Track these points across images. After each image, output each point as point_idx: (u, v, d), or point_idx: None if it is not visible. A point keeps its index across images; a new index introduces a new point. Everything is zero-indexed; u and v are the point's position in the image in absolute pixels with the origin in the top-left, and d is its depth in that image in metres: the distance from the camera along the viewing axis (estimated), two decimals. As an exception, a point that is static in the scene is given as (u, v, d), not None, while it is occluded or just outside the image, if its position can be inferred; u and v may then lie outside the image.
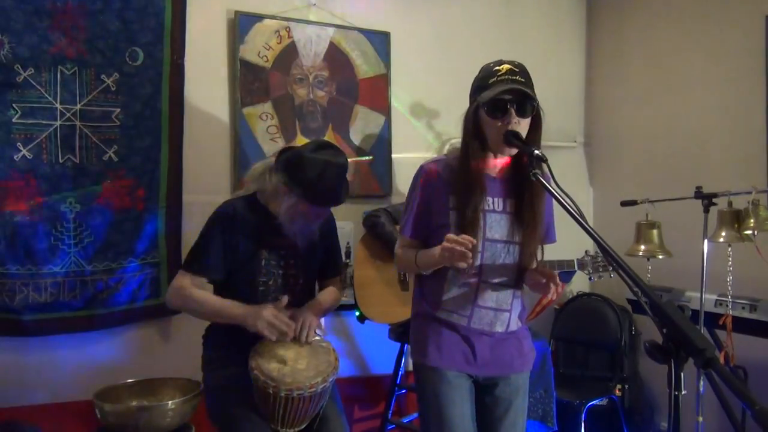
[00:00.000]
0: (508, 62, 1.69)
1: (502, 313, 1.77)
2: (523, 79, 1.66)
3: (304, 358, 1.91)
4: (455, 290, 1.75)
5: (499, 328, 1.77)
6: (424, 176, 1.78)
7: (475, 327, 1.75)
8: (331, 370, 1.88)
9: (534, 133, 1.71)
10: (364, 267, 2.80)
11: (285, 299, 1.94)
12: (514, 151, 1.69)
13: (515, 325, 1.81)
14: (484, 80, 1.69)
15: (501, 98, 1.62)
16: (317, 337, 2.03)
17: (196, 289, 1.98)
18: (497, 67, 1.68)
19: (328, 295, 2.19)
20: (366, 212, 2.88)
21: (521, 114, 1.64)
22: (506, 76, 1.65)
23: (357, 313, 2.80)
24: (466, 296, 1.74)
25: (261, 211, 2.04)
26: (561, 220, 1.81)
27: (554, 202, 1.55)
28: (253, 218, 2.02)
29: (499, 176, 1.77)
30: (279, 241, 2.03)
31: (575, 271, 2.56)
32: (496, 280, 1.75)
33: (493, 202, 1.74)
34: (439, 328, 1.77)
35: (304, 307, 2.05)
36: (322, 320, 2.81)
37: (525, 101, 1.64)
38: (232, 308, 1.94)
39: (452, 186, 1.72)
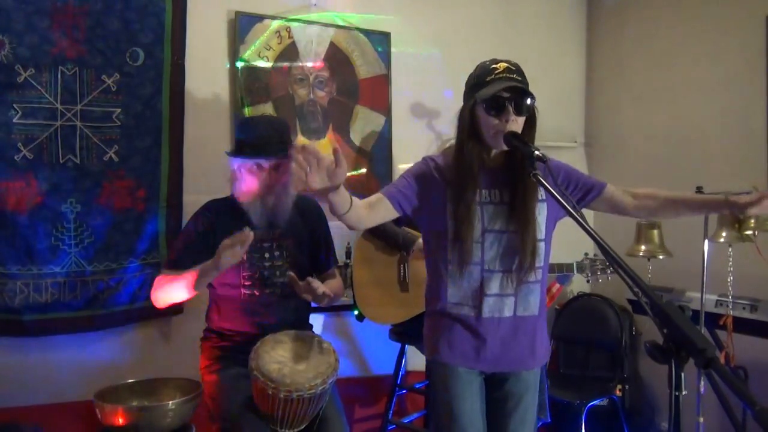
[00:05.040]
0: (505, 61, 1.71)
1: (507, 297, 1.76)
2: (519, 78, 1.68)
3: (304, 359, 1.91)
4: (461, 283, 1.76)
5: (507, 313, 1.76)
6: (423, 163, 1.82)
7: (486, 316, 1.75)
8: (331, 372, 1.88)
9: (529, 132, 1.72)
10: (363, 267, 2.79)
11: (247, 230, 1.85)
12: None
13: (523, 310, 1.77)
14: (480, 78, 1.70)
15: (500, 95, 1.63)
16: (316, 338, 2.03)
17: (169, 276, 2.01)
18: (494, 65, 1.69)
19: (332, 283, 2.21)
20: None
21: (518, 112, 1.65)
22: (504, 74, 1.66)
23: (355, 312, 2.80)
24: (472, 288, 1.75)
25: (237, 210, 2.10)
26: (561, 221, 1.82)
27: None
28: (231, 217, 2.08)
29: (494, 167, 1.77)
30: (260, 235, 2.05)
31: (573, 274, 2.56)
32: (499, 269, 1.75)
33: (490, 194, 1.76)
34: (451, 325, 1.78)
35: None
36: (322, 318, 2.80)
37: (522, 99, 1.65)
38: (202, 266, 1.93)
39: (449, 180, 1.73)
